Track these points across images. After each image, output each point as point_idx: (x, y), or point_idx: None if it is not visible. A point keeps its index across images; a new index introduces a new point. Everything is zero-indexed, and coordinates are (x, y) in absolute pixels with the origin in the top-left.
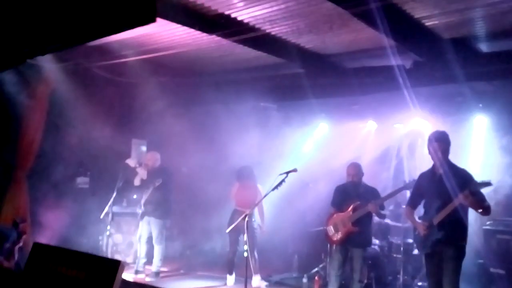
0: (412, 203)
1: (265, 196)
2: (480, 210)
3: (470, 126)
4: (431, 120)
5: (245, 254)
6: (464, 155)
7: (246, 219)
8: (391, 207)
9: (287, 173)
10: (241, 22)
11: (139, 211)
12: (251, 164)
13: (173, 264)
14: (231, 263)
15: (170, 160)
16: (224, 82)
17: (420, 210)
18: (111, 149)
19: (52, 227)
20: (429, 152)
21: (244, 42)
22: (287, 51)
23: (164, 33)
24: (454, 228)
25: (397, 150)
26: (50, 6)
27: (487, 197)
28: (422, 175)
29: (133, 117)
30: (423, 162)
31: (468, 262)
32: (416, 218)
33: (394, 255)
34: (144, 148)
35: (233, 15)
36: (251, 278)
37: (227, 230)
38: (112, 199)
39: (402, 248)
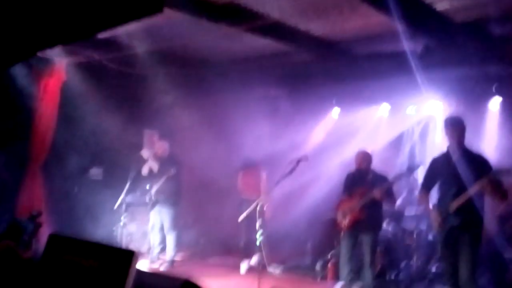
0: (427, 187)
1: (277, 184)
2: (498, 198)
3: (484, 110)
4: (444, 105)
5: (258, 242)
6: (478, 139)
7: (258, 207)
8: (404, 194)
9: (298, 161)
10: (250, 10)
11: (149, 201)
12: (262, 152)
13: (188, 251)
14: (245, 251)
15: (181, 149)
16: (233, 71)
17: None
18: (124, 140)
19: (67, 218)
20: (446, 136)
21: (253, 30)
22: (297, 38)
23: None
24: (470, 215)
25: (410, 135)
26: None
27: None
28: (436, 160)
29: (145, 109)
30: (435, 146)
31: (482, 248)
32: (430, 206)
33: (407, 242)
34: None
35: (242, 4)
36: (265, 266)
37: (239, 219)
38: (125, 189)
39: (415, 235)
